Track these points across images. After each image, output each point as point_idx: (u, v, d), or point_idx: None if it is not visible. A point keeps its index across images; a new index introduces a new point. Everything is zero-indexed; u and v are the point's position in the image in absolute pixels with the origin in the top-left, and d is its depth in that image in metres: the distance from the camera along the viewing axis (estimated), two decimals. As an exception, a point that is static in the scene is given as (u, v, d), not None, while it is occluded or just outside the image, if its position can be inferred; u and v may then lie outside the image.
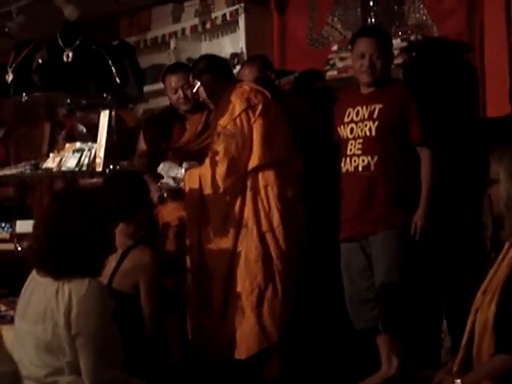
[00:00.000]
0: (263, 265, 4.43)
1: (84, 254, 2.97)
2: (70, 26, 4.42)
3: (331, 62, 5.32)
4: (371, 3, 5.56)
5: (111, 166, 4.27)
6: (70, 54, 4.35)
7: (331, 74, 5.28)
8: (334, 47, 5.40)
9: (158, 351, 3.82)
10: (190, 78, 4.83)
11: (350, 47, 4.71)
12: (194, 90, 4.76)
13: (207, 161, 4.55)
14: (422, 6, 5.31)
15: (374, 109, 4.39)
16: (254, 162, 4.50)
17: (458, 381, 2.91)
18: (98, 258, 3.05)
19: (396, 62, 4.77)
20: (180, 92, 4.99)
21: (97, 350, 2.91)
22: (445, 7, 5.21)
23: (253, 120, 4.53)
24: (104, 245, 3.06)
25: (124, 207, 3.90)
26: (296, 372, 4.53)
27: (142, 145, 5.14)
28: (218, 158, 4.50)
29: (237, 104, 4.55)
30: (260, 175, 4.52)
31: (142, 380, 3.12)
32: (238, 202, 4.49)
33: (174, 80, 5.03)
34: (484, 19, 4.98)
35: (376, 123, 4.37)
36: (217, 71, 4.74)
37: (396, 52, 4.77)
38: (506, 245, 3.07)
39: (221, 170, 4.49)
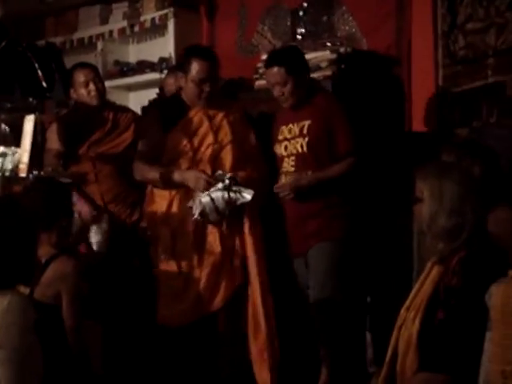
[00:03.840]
0: None
1: (14, 266, 2.90)
2: (-5, 28, 4.33)
3: (260, 70, 5.31)
4: (301, 13, 5.59)
5: (35, 172, 4.19)
6: (-4, 57, 4.26)
7: (260, 83, 5.26)
8: (264, 56, 5.38)
9: (80, 362, 3.76)
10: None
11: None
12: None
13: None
14: (351, 18, 5.35)
15: (304, 125, 4.44)
16: None
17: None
18: (28, 267, 2.99)
19: (325, 73, 4.83)
20: (91, 85, 4.84)
21: (17, 364, 2.84)
22: (374, 21, 5.25)
23: None
24: (33, 253, 3.00)
25: (45, 216, 3.81)
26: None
27: (55, 144, 4.89)
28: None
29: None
30: None
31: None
32: None
33: (83, 73, 4.85)
34: (412, 34, 5.05)
35: (306, 139, 4.42)
36: None
37: (325, 64, 4.81)
38: (429, 263, 3.12)
39: None
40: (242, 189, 4.37)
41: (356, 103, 4.75)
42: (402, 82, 5.05)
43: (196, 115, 4.56)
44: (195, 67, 4.49)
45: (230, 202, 4.35)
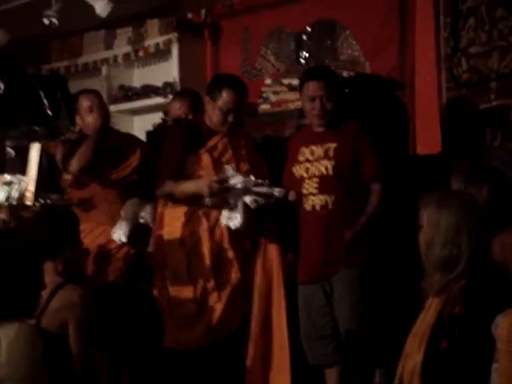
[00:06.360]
0: None
1: (16, 297, 2.92)
2: (2, 57, 4.36)
3: (264, 95, 5.36)
4: (304, 37, 5.63)
5: (41, 200, 4.20)
6: (2, 86, 4.28)
7: (264, 107, 5.30)
8: (268, 80, 5.43)
9: (87, 391, 3.77)
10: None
11: (284, 81, 4.71)
12: None
13: None
14: (354, 42, 5.38)
15: (329, 147, 4.40)
16: None
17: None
18: (30, 299, 3.00)
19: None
20: (96, 110, 4.80)
21: (24, 395, 2.85)
22: (377, 44, 5.29)
23: None
24: (35, 285, 3.01)
25: (48, 245, 3.81)
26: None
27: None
28: None
29: None
30: None
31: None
32: None
33: (88, 99, 4.83)
34: (415, 57, 5.07)
35: (332, 162, 4.38)
36: None
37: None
38: (433, 291, 3.12)
39: None
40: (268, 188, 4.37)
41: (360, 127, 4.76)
42: (406, 105, 5.07)
43: (221, 142, 4.55)
44: (225, 97, 4.46)
45: (266, 196, 4.34)
